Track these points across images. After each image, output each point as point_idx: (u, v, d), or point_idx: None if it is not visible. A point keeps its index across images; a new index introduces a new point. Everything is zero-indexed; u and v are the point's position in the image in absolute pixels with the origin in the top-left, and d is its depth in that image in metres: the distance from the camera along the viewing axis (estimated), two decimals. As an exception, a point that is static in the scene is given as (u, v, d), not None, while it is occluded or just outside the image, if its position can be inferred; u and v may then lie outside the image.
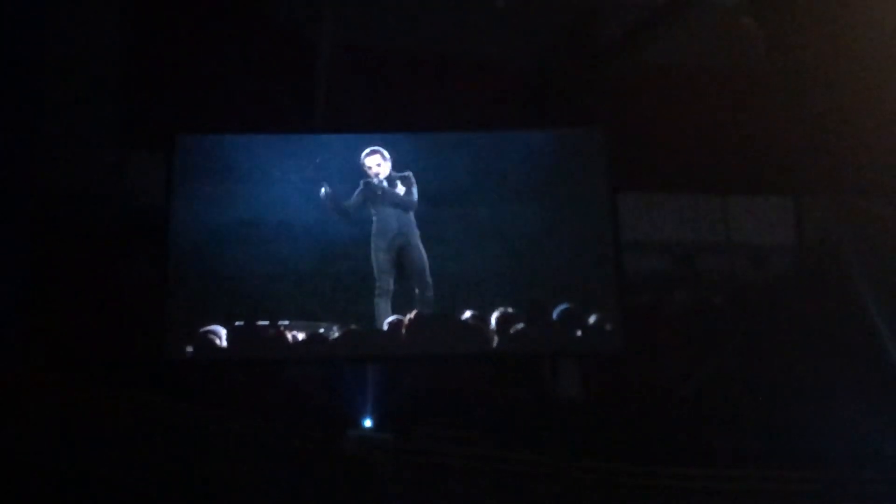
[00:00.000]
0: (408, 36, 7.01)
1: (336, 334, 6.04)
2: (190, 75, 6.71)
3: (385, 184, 6.20)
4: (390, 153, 6.25)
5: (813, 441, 5.83)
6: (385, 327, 6.07)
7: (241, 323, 6.03)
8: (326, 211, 6.20)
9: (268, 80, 6.73)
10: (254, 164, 6.28)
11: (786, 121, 6.61)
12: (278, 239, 6.19)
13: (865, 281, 6.30)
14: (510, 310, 6.06)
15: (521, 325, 6.07)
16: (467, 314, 6.09)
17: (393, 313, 6.09)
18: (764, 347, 6.42)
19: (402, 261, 6.17)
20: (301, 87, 6.82)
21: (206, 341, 5.99)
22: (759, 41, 6.87)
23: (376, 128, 6.40)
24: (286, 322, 6.04)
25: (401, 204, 6.19)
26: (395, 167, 6.24)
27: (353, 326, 6.07)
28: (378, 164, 6.20)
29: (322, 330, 6.05)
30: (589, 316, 6.09)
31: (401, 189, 6.20)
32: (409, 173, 6.20)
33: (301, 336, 6.04)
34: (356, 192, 6.20)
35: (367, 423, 6.08)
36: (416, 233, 6.19)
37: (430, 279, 6.13)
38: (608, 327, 6.08)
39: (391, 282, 6.13)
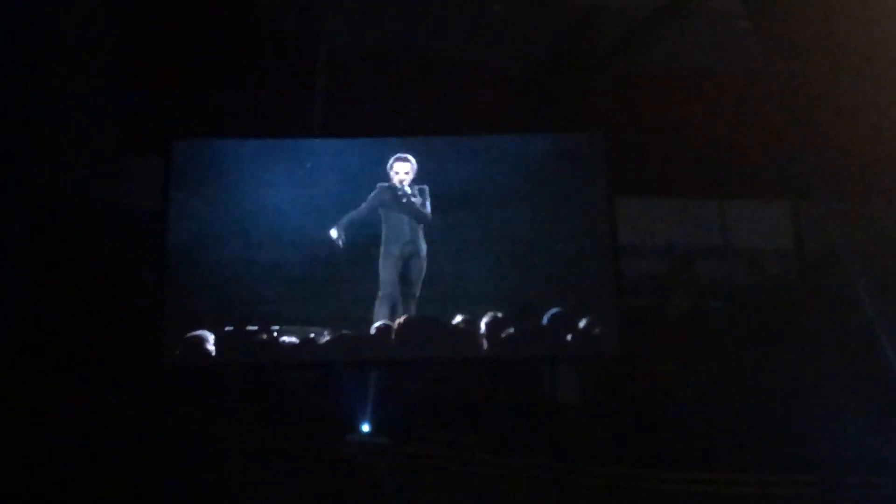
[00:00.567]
0: (406, 40, 7.02)
1: (326, 338, 6.02)
2: (187, 80, 6.72)
3: (409, 191, 6.18)
4: (388, 156, 6.24)
5: (812, 446, 5.83)
6: (373, 332, 6.04)
7: (231, 328, 6.00)
8: (322, 217, 6.19)
9: (265, 85, 6.73)
10: (251, 169, 6.25)
11: (784, 125, 6.60)
12: (274, 243, 6.16)
13: (864, 285, 6.30)
14: (500, 314, 6.04)
15: (511, 330, 6.05)
16: (458, 318, 6.07)
17: (379, 319, 6.07)
18: (762, 352, 6.42)
19: (405, 270, 6.15)
20: (299, 92, 6.82)
21: (193, 346, 5.95)
22: (757, 45, 6.86)
23: (374, 132, 6.38)
24: (277, 327, 6.01)
25: (416, 215, 6.17)
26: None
27: (344, 331, 6.03)
28: (407, 171, 6.20)
29: (312, 335, 6.02)
30: (580, 320, 6.06)
31: (418, 200, 6.19)
32: (425, 186, 6.20)
33: (291, 340, 6.00)
34: (372, 196, 6.17)
35: (366, 427, 6.06)
36: (424, 246, 6.17)
37: (420, 288, 6.13)
38: (597, 331, 6.05)
39: (397, 289, 6.11)
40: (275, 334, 5.99)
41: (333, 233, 6.15)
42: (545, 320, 6.06)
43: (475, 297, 6.12)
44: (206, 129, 6.45)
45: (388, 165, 6.21)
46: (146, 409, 5.94)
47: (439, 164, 6.29)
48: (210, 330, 5.97)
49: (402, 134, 6.36)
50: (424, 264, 6.15)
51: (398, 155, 6.22)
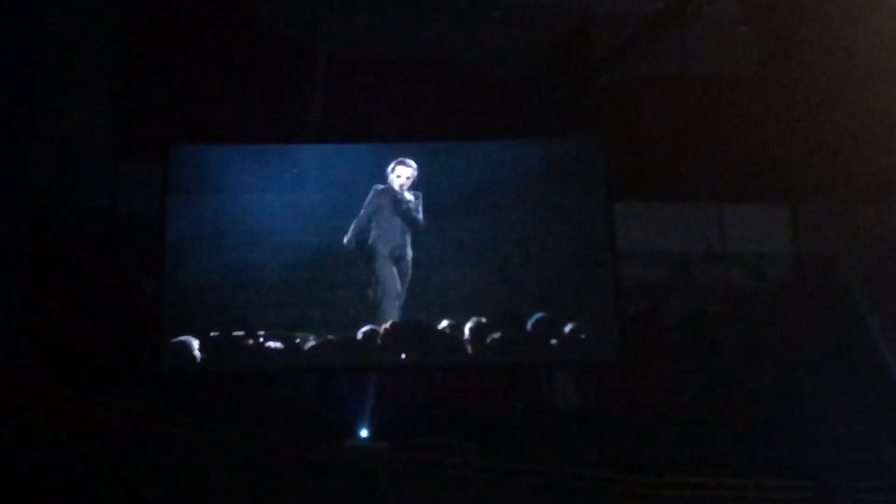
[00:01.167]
0: (404, 46, 7.03)
1: (312, 344, 6.02)
2: (184, 86, 6.72)
3: (406, 196, 6.18)
4: (384, 162, 6.24)
5: (810, 450, 5.82)
6: (359, 336, 6.04)
7: (217, 333, 6.02)
8: (318, 222, 6.21)
9: (263, 91, 6.74)
10: (246, 175, 6.27)
11: (781, 130, 6.62)
12: (265, 249, 6.18)
13: (861, 289, 6.31)
14: (483, 319, 6.04)
15: (497, 335, 6.04)
16: (444, 323, 6.07)
17: (367, 323, 6.07)
18: (760, 356, 6.43)
19: (394, 273, 6.14)
20: (296, 98, 6.83)
21: (179, 352, 5.97)
22: (755, 50, 6.89)
23: (371, 138, 6.39)
24: (263, 332, 6.02)
25: (410, 220, 6.18)
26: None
27: (330, 336, 6.05)
28: (408, 176, 6.19)
29: (298, 340, 6.02)
30: (565, 325, 6.06)
31: (413, 205, 6.19)
32: (419, 193, 6.19)
33: (277, 346, 6.01)
34: (369, 199, 6.17)
35: (364, 432, 6.06)
36: (411, 252, 6.17)
37: (406, 293, 6.13)
38: (583, 336, 6.05)
39: (387, 293, 6.11)
40: (261, 339, 6.01)
41: (347, 241, 6.14)
42: (529, 325, 6.06)
43: (470, 303, 6.12)
44: (202, 134, 6.46)
45: (390, 169, 6.19)
46: (144, 414, 5.92)
47: (435, 169, 6.30)
48: (197, 335, 5.98)
49: (399, 140, 6.37)
50: (410, 270, 6.15)
51: (400, 159, 6.20)
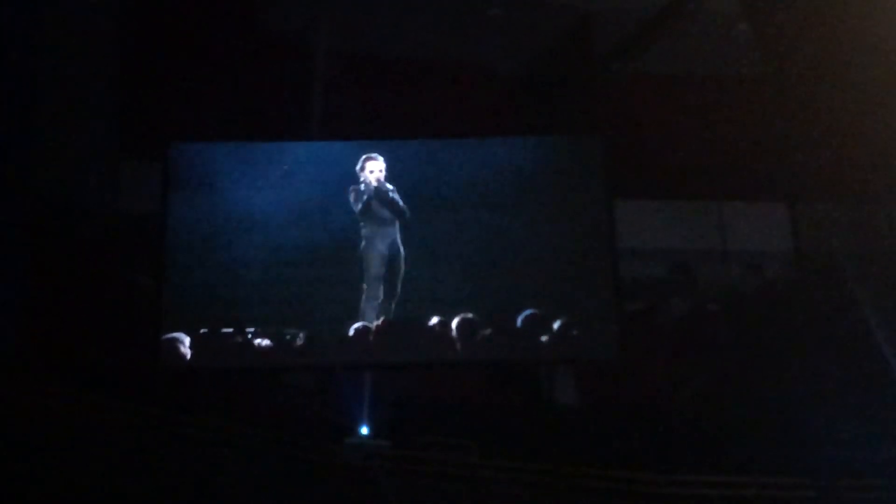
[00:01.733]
0: (403, 44, 7.03)
1: (303, 341, 6.02)
2: (184, 84, 6.71)
3: (390, 188, 6.18)
4: (387, 160, 6.24)
5: (810, 448, 5.82)
6: (351, 333, 6.03)
7: (206, 330, 6.01)
8: (316, 219, 6.21)
9: (262, 89, 6.73)
10: (246, 173, 6.27)
11: (782, 128, 6.61)
12: (268, 245, 6.19)
13: (862, 287, 6.30)
14: (470, 315, 6.03)
15: (487, 332, 6.04)
16: (434, 320, 6.06)
17: (361, 320, 6.07)
18: (760, 354, 6.42)
19: (389, 268, 6.15)
20: (295, 95, 6.82)
21: (169, 348, 5.97)
22: (756, 48, 6.87)
23: (372, 135, 6.38)
24: (252, 329, 6.01)
25: (397, 212, 6.18)
26: (392, 174, 6.24)
27: (321, 333, 6.05)
28: (380, 169, 6.19)
29: (289, 336, 6.02)
30: (554, 321, 6.05)
31: (397, 197, 6.19)
32: (394, 186, 6.19)
33: (267, 343, 6.01)
34: (362, 196, 6.17)
35: (364, 430, 6.07)
36: (403, 248, 6.17)
37: (400, 289, 6.13)
38: (574, 331, 6.04)
39: (382, 289, 6.11)
40: (249, 336, 6.00)
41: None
42: (519, 322, 6.04)
43: (466, 300, 6.10)
44: (203, 133, 6.46)
45: (359, 167, 6.19)
46: (143, 412, 5.93)
47: (436, 166, 6.30)
48: (194, 332, 5.99)
49: (401, 137, 6.37)
50: (403, 266, 6.15)
51: (367, 155, 6.21)
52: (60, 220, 6.55)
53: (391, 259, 6.14)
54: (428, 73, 7.02)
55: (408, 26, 6.95)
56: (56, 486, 5.44)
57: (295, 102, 6.78)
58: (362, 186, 6.16)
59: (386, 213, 6.17)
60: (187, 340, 5.97)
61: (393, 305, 6.09)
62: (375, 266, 6.13)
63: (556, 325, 6.03)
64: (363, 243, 6.13)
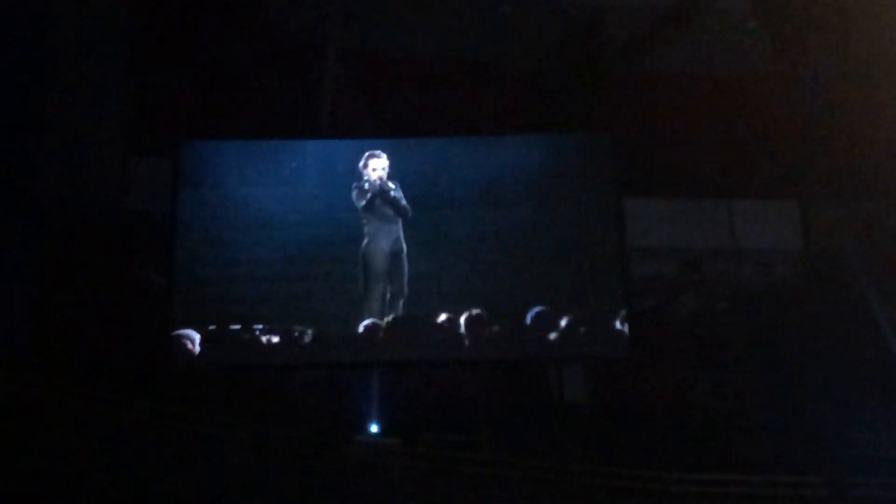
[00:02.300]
0: (413, 42, 7.02)
1: (309, 339, 6.03)
2: (194, 82, 6.72)
3: (392, 187, 6.18)
4: (397, 158, 6.24)
5: (820, 446, 5.82)
6: (361, 330, 6.04)
7: (215, 327, 6.02)
8: (324, 217, 6.23)
9: (272, 87, 6.73)
10: (256, 170, 6.29)
11: (792, 126, 6.60)
12: (277, 243, 6.21)
13: (872, 286, 6.30)
14: (478, 311, 6.04)
15: (496, 328, 6.04)
16: (442, 317, 6.06)
17: (368, 317, 6.08)
18: (770, 352, 6.42)
19: (393, 266, 6.15)
20: (305, 93, 6.82)
21: (180, 345, 5.99)
22: (765, 46, 6.87)
23: (381, 133, 6.38)
24: (260, 326, 6.02)
25: (400, 210, 6.18)
26: (401, 172, 6.24)
27: (329, 330, 6.06)
28: (383, 167, 6.19)
29: (296, 334, 6.04)
30: (562, 318, 6.05)
31: (398, 195, 6.20)
32: (397, 183, 6.19)
33: (275, 340, 6.03)
34: (366, 194, 6.16)
35: (375, 428, 6.07)
36: (405, 246, 6.18)
37: (407, 287, 6.13)
38: (582, 329, 6.04)
39: (386, 286, 6.12)
40: (257, 333, 6.02)
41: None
42: (528, 319, 6.04)
43: (475, 297, 6.11)
44: (213, 130, 6.47)
45: (362, 165, 6.19)
46: (154, 409, 5.93)
47: (445, 164, 6.31)
48: (204, 329, 6.01)
49: (411, 135, 6.37)
50: (407, 264, 6.15)
51: (370, 152, 6.20)
52: (70, 218, 6.55)
53: (394, 256, 6.15)
54: (438, 70, 7.02)
55: (417, 24, 6.95)
56: (67, 482, 5.44)
57: (304, 100, 6.78)
58: (366, 185, 6.16)
59: (389, 211, 6.17)
60: (197, 337, 5.99)
61: (401, 303, 6.10)
62: (378, 263, 6.13)
63: (565, 323, 6.03)
64: (366, 240, 6.14)
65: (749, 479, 5.79)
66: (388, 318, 6.06)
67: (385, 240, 6.16)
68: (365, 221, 6.17)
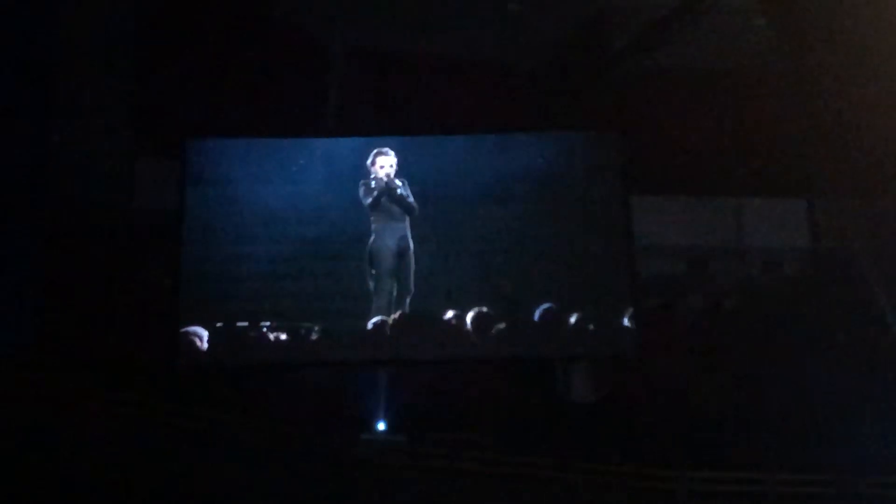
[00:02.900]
0: (421, 40, 7.01)
1: (316, 336, 6.02)
2: (201, 81, 6.72)
3: (399, 184, 6.18)
4: (405, 156, 6.24)
5: (827, 445, 5.81)
6: (368, 327, 6.03)
7: (221, 324, 6.02)
8: (330, 213, 6.23)
9: (279, 85, 6.73)
10: (262, 168, 6.29)
11: (799, 124, 6.59)
12: (282, 239, 6.21)
13: (879, 284, 6.29)
14: (485, 309, 6.04)
15: (502, 325, 6.04)
16: (449, 314, 6.06)
17: (375, 314, 6.07)
18: (777, 351, 6.41)
19: (399, 263, 6.14)
20: (311, 91, 6.81)
21: (188, 342, 5.99)
22: (773, 44, 6.84)
23: (389, 131, 6.37)
24: (268, 323, 6.02)
25: (408, 207, 6.18)
26: (408, 170, 6.24)
27: (338, 327, 6.06)
28: (391, 164, 6.18)
29: (303, 331, 6.03)
30: (571, 315, 6.05)
31: (405, 192, 6.19)
32: (405, 180, 6.19)
33: (282, 337, 6.02)
34: (372, 192, 6.16)
35: (381, 426, 6.08)
36: (412, 243, 6.17)
37: (413, 284, 6.12)
38: (591, 326, 6.04)
39: (393, 283, 6.12)
40: (264, 330, 6.01)
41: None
42: (536, 315, 6.04)
43: (480, 294, 6.10)
44: (218, 128, 6.47)
45: (370, 162, 6.19)
46: (161, 407, 5.95)
47: (456, 162, 6.30)
48: (210, 327, 6.01)
49: (419, 133, 6.37)
50: (413, 261, 6.14)
51: (378, 150, 6.20)
52: (78, 217, 6.57)
53: (400, 253, 6.14)
54: (445, 69, 7.00)
55: (425, 22, 6.93)
56: (73, 478, 5.47)
57: (311, 98, 6.77)
58: (373, 182, 6.16)
59: (396, 209, 6.17)
60: (205, 334, 5.99)
61: (408, 300, 6.10)
62: (385, 260, 6.13)
63: (573, 320, 6.03)
64: (373, 238, 6.14)
65: (756, 476, 5.81)
66: (395, 316, 6.05)
67: (392, 237, 6.15)
68: (372, 219, 6.16)
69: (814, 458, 5.81)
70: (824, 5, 6.36)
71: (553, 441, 6.06)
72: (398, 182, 6.18)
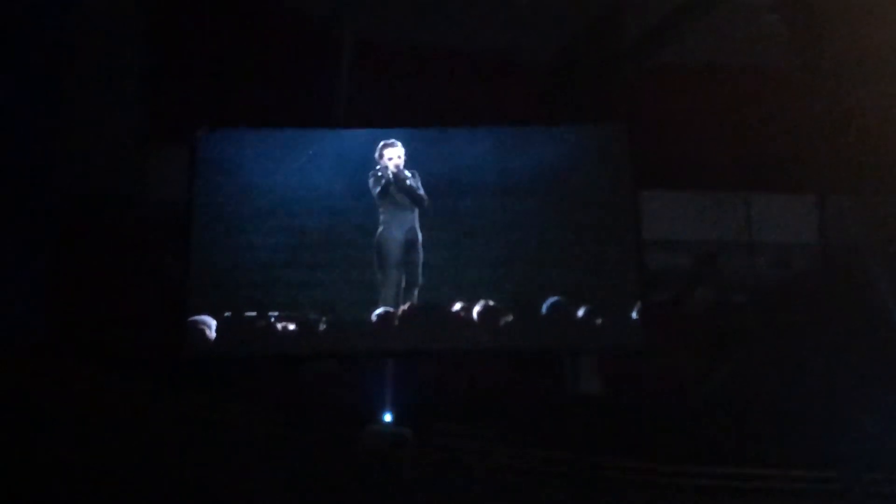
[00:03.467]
0: (430, 32, 7.02)
1: (324, 326, 6.04)
2: (211, 70, 6.75)
3: (409, 175, 6.19)
4: (413, 148, 6.25)
5: (834, 440, 5.79)
6: (374, 318, 6.04)
7: (230, 314, 6.04)
8: (340, 204, 6.24)
9: (289, 76, 6.75)
10: (272, 158, 6.31)
11: (810, 119, 6.57)
12: (291, 229, 6.23)
13: (889, 281, 6.26)
14: (491, 302, 6.04)
15: (510, 318, 6.03)
16: (457, 306, 6.06)
17: (382, 305, 6.09)
18: (785, 347, 6.39)
19: (406, 255, 6.15)
20: (322, 82, 6.83)
21: (196, 331, 6.01)
22: (784, 39, 6.83)
23: (398, 122, 6.39)
24: (276, 313, 6.04)
25: (416, 198, 6.19)
26: (416, 161, 6.25)
27: (344, 318, 6.07)
28: (399, 156, 6.20)
29: (311, 321, 6.05)
30: (579, 308, 6.04)
31: (415, 183, 6.21)
32: (415, 171, 6.20)
33: (290, 327, 6.04)
34: (381, 182, 6.18)
35: (387, 417, 6.08)
36: (421, 235, 6.18)
37: (421, 275, 6.13)
38: (599, 320, 6.03)
39: (401, 275, 6.13)
40: (272, 320, 6.03)
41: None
42: (544, 309, 6.04)
43: (488, 287, 6.10)
44: (228, 119, 6.50)
45: (378, 154, 6.21)
46: (168, 396, 5.98)
47: (463, 155, 6.30)
48: (217, 316, 6.02)
49: (427, 125, 6.37)
50: (422, 253, 6.15)
51: (385, 141, 6.23)
52: (87, 206, 6.61)
53: (408, 245, 6.16)
54: (455, 61, 7.01)
55: (435, 13, 6.94)
56: (81, 468, 5.49)
57: (321, 89, 6.79)
58: (381, 173, 6.19)
59: (404, 199, 6.19)
60: (213, 324, 6.01)
61: (416, 292, 6.11)
62: (393, 251, 6.14)
63: (581, 313, 6.03)
64: (381, 228, 6.16)
65: (763, 472, 5.79)
66: (404, 307, 6.06)
67: (399, 228, 6.17)
68: (381, 210, 6.18)
69: (822, 454, 5.77)
70: (838, 3, 6.36)
71: (559, 434, 6.05)
72: (407, 173, 6.19)
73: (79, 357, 6.03)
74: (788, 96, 6.61)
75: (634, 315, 6.08)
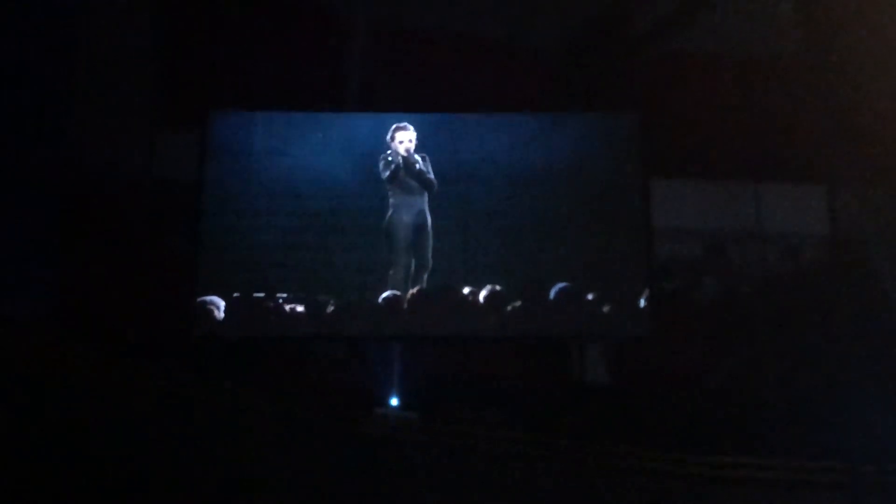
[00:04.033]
0: (442, 18, 6.99)
1: (332, 309, 6.07)
2: (223, 52, 6.74)
3: (418, 159, 6.20)
4: (423, 133, 6.27)
5: (841, 432, 5.78)
6: (385, 301, 6.09)
7: (238, 294, 6.10)
8: (350, 187, 6.27)
9: (301, 59, 6.74)
10: (283, 141, 6.37)
11: (820, 110, 6.55)
12: (301, 211, 6.29)
13: (891, 273, 6.25)
14: (498, 287, 6.07)
15: (518, 304, 6.05)
16: (466, 291, 6.11)
17: (393, 289, 6.13)
18: (793, 337, 6.37)
19: (416, 239, 6.19)
20: (334, 65, 6.83)
21: (204, 312, 6.06)
22: (796, 29, 6.80)
23: (409, 107, 6.39)
24: (284, 295, 6.09)
25: (426, 182, 6.21)
26: (427, 147, 6.29)
27: (351, 300, 6.13)
28: (410, 139, 6.24)
29: (320, 303, 6.11)
30: (587, 294, 6.08)
31: (424, 167, 6.23)
32: (426, 155, 6.24)
33: (300, 309, 6.10)
34: (390, 166, 6.22)
35: (394, 401, 6.09)
36: (430, 219, 6.21)
37: (430, 259, 6.16)
38: (606, 306, 6.07)
39: (410, 259, 6.15)
40: (280, 301, 6.08)
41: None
42: (552, 294, 6.08)
43: (497, 273, 6.16)
44: (241, 101, 6.51)
45: (389, 137, 6.26)
46: (176, 379, 5.99)
47: (474, 141, 6.34)
48: (221, 296, 6.10)
49: (438, 110, 6.38)
50: (431, 237, 6.18)
51: (397, 125, 6.27)
52: (98, 187, 6.62)
53: (418, 229, 6.19)
54: (467, 47, 6.98)
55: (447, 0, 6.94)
56: (91, 452, 5.51)
57: (332, 73, 6.78)
58: (391, 156, 6.22)
59: (413, 183, 6.22)
60: (222, 304, 6.05)
61: (425, 276, 6.15)
62: (402, 235, 6.18)
63: (590, 299, 6.03)
64: (390, 212, 6.20)
65: (769, 462, 5.78)
66: (413, 291, 6.09)
67: (408, 212, 6.19)
68: (390, 193, 6.21)
69: (829, 445, 5.77)
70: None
71: (567, 421, 6.05)
72: (417, 157, 6.22)
73: (87, 337, 6.02)
74: (800, 86, 6.59)
75: (642, 303, 6.12)
